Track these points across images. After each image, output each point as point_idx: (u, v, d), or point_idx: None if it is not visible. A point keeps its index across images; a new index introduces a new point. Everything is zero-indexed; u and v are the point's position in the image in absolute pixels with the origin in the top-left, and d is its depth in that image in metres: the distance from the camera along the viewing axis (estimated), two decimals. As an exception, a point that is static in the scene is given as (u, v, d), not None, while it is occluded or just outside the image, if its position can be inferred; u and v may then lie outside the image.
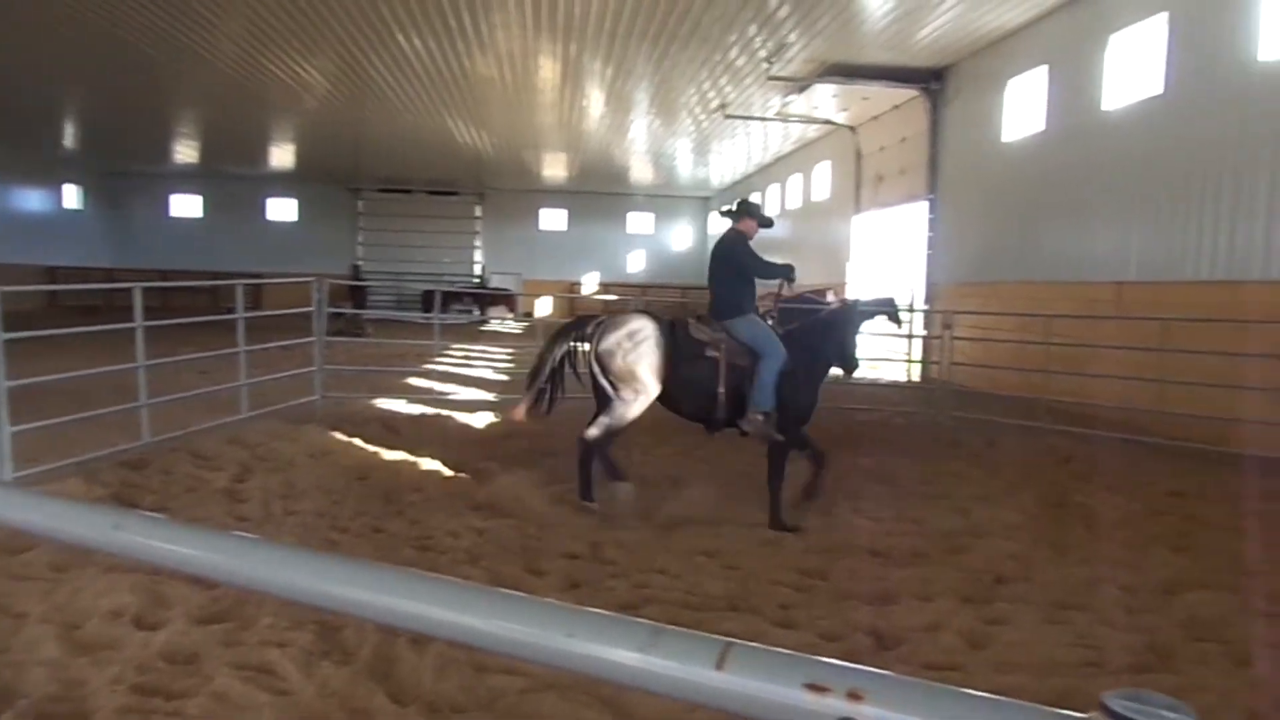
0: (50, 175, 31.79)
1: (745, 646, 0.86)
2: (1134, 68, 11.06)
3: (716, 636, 0.88)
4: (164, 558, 1.14)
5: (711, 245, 7.36)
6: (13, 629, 3.93)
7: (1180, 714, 0.74)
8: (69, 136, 27.50)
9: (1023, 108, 13.58)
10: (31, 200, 31.16)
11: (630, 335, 6.31)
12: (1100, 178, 11.56)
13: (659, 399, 6.46)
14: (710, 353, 6.41)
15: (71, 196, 33.46)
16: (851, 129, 20.02)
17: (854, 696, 0.80)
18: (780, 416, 6.42)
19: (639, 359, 6.26)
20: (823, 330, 6.93)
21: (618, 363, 6.25)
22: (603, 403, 6.47)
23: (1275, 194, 8.96)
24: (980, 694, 0.80)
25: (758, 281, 6.77)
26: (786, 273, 6.73)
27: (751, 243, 6.80)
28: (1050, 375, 10.48)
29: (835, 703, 0.80)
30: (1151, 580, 5.03)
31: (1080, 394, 10.65)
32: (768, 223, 6.94)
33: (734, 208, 6.91)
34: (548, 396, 6.58)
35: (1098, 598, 4.72)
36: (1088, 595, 4.77)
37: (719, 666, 0.84)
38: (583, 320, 6.67)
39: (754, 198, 24.49)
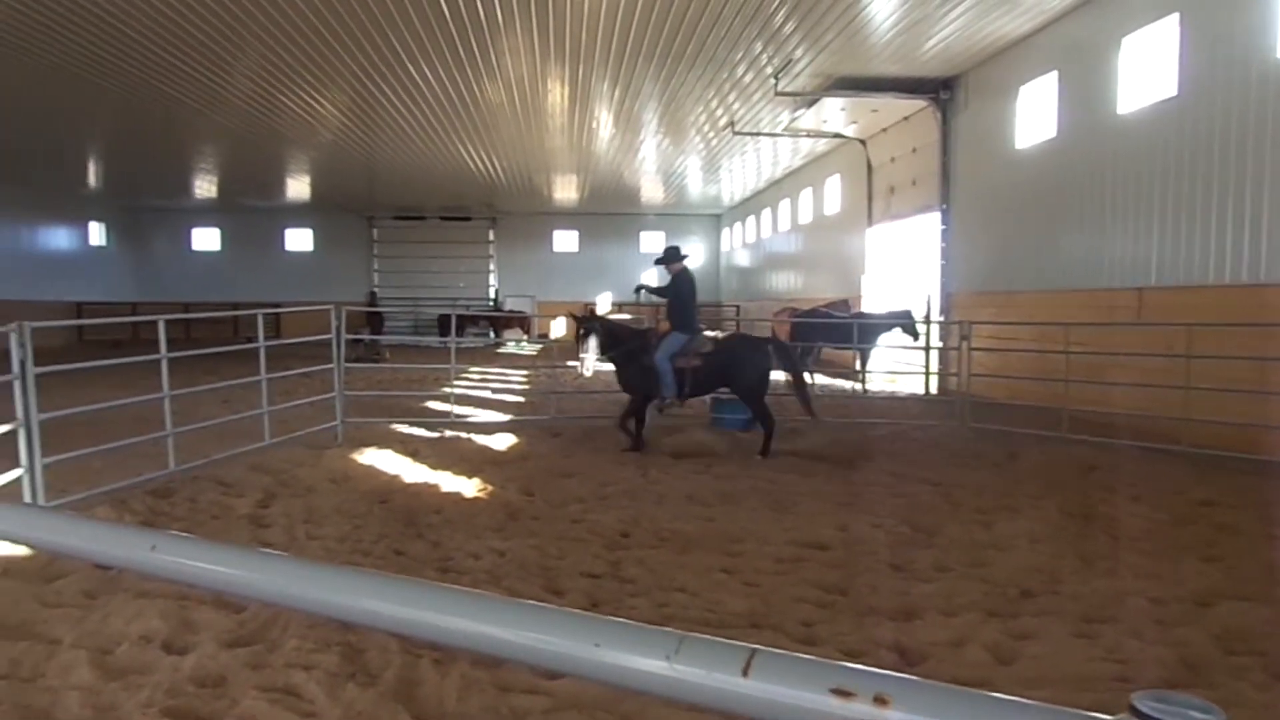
0: (77, 213, 32.36)
1: (771, 653, 0.87)
2: (1147, 70, 11.03)
3: (742, 644, 0.89)
4: (199, 577, 1.16)
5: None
6: (47, 654, 3.97)
7: (1210, 716, 0.74)
8: (93, 175, 28.00)
9: (1035, 114, 13.56)
10: (60, 238, 31.72)
11: None
12: (1117, 182, 11.51)
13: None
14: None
15: (97, 234, 34.02)
16: (861, 141, 20.04)
17: (880, 701, 0.80)
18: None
19: None
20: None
21: None
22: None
23: (1294, 195, 8.90)
24: (1008, 698, 0.80)
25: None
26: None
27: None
28: (1071, 384, 10.39)
29: (862, 708, 0.81)
30: (1182, 591, 4.94)
31: (1102, 403, 10.56)
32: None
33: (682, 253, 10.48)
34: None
35: (1127, 610, 4.65)
36: (1116, 608, 4.70)
37: (745, 673, 0.85)
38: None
39: (764, 214, 26.01)
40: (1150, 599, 4.81)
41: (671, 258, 10.29)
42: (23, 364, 6.08)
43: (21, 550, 5.19)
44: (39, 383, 6.24)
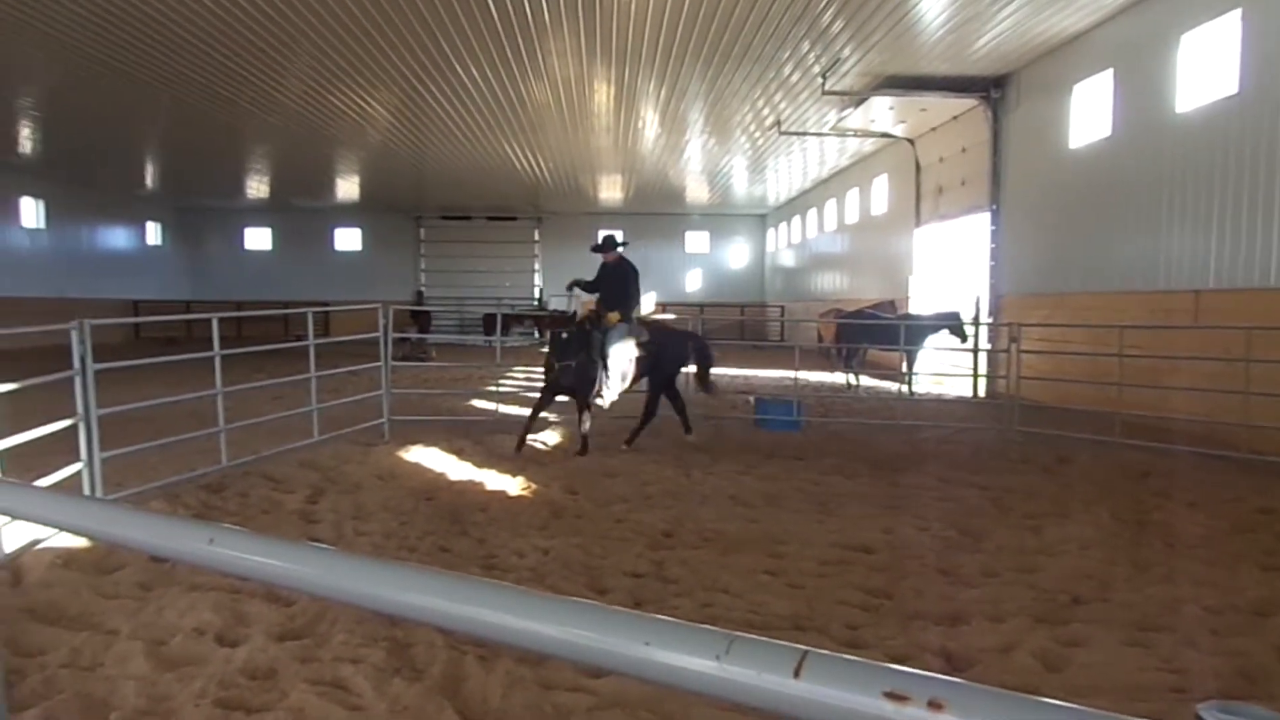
0: (134, 214, 33.29)
1: (823, 655, 0.86)
2: (1207, 67, 10.75)
3: (793, 645, 0.88)
4: (253, 570, 1.18)
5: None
6: (105, 645, 4.08)
7: (1284, 727, 0.72)
8: (150, 176, 28.83)
9: (1089, 113, 13.28)
10: (118, 238, 32.65)
11: None
12: (1174, 181, 11.23)
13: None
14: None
15: (153, 233, 34.97)
16: (910, 141, 19.81)
17: (935, 706, 0.79)
18: None
19: None
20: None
21: None
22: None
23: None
24: (1066, 704, 0.79)
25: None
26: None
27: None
28: (1124, 388, 10.16)
29: (916, 712, 0.80)
30: (1240, 601, 4.81)
31: (1157, 407, 10.31)
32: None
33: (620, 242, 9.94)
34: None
35: (1182, 619, 4.53)
36: (1171, 616, 4.58)
37: (796, 675, 0.85)
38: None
39: (810, 214, 25.47)
40: (1206, 608, 4.68)
41: (607, 246, 9.88)
42: (83, 360, 6.25)
43: (81, 542, 5.35)
44: (98, 379, 6.40)
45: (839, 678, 0.84)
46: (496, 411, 11.77)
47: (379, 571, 1.11)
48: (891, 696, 0.80)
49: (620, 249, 9.88)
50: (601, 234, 10.24)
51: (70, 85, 15.99)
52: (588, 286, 9.92)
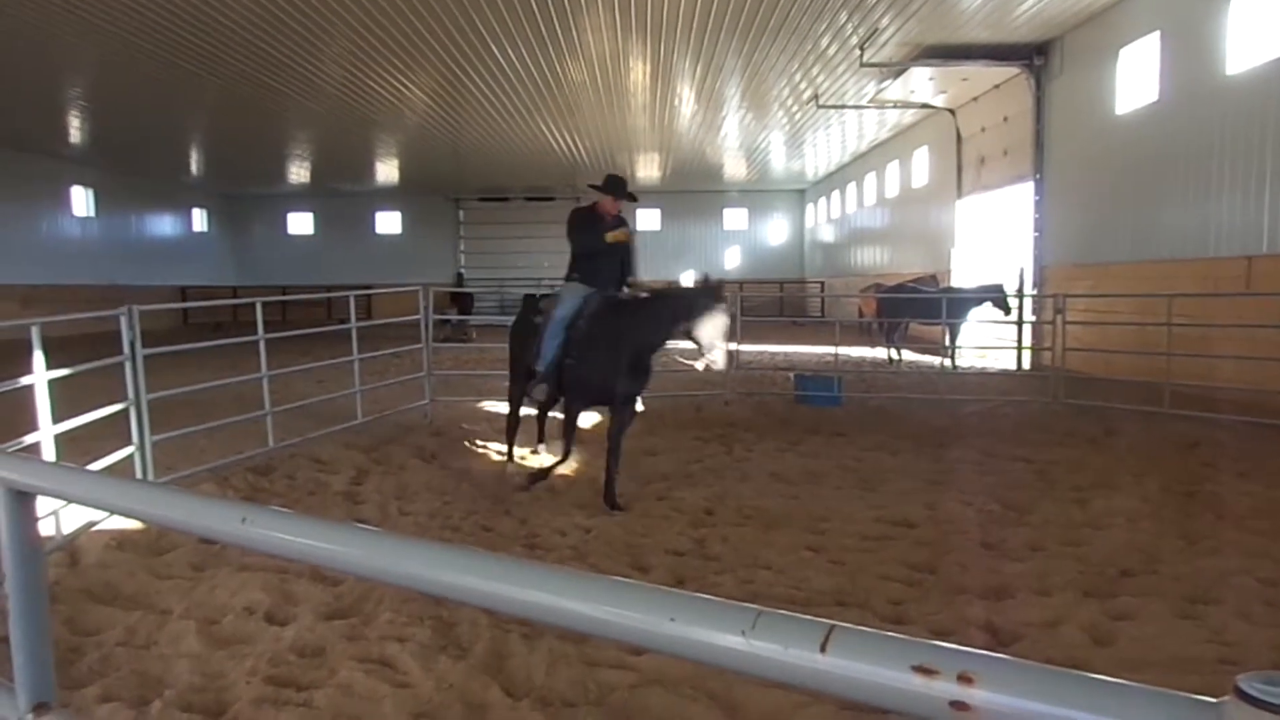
0: (180, 201, 33.93)
1: (850, 629, 0.85)
2: (1259, 27, 10.38)
3: (820, 619, 0.87)
4: (288, 549, 1.20)
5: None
6: (158, 624, 4.20)
7: (1323, 700, 0.70)
8: (196, 164, 29.36)
9: (1135, 78, 12.92)
10: (165, 225, 33.32)
11: None
12: (1225, 145, 10.90)
13: None
14: None
15: (199, 220, 35.62)
16: (950, 111, 19.44)
17: (965, 680, 0.78)
18: None
19: None
20: None
21: None
22: None
23: None
24: (1100, 678, 0.77)
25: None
26: None
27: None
28: (1173, 358, 9.92)
29: (945, 685, 0.79)
30: (1294, 572, 4.70)
31: (1207, 377, 10.07)
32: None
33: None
34: None
35: (1233, 591, 4.43)
36: (1222, 588, 4.48)
37: (823, 649, 0.84)
38: None
39: (849, 188, 24.21)
40: (1259, 579, 4.58)
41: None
42: (133, 345, 6.38)
43: (135, 524, 5.49)
44: (147, 364, 6.54)
45: (866, 652, 0.83)
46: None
47: (410, 550, 1.12)
48: (920, 670, 0.80)
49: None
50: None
51: (117, 75, 16.30)
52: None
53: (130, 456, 6.48)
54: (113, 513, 1.35)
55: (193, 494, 1.39)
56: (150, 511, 1.37)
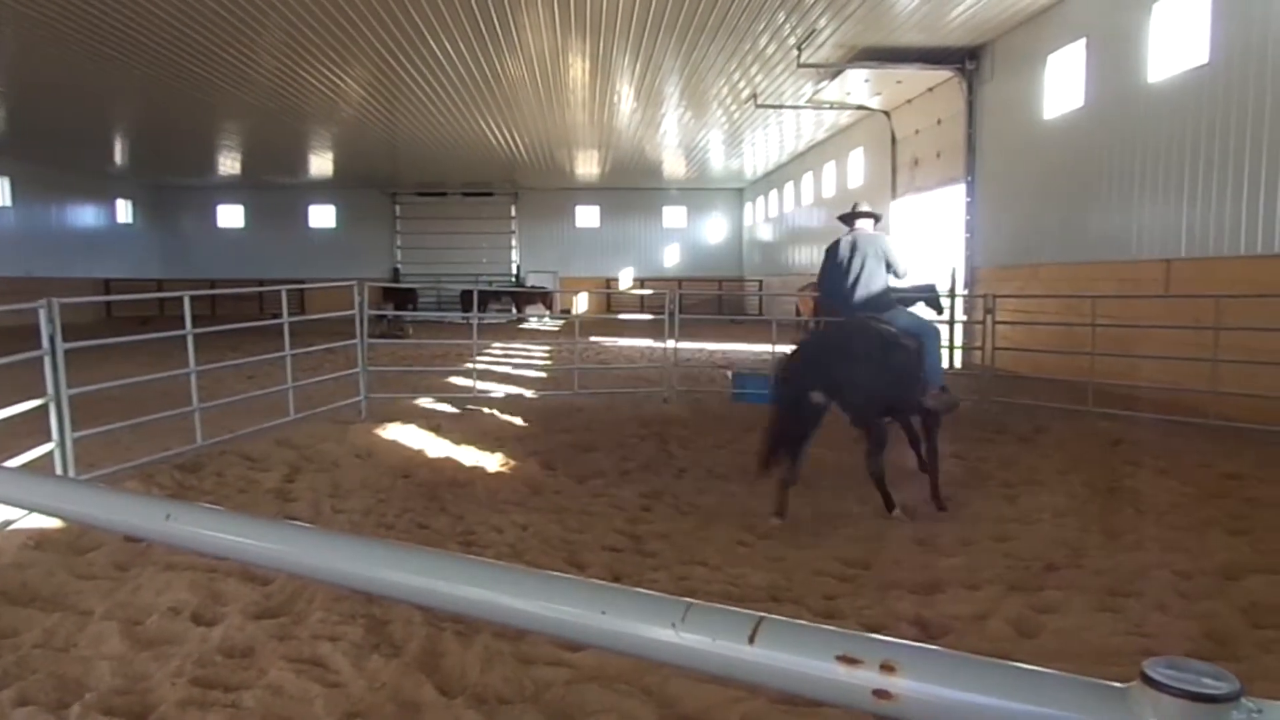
0: (104, 191, 32.79)
1: (777, 621, 0.87)
2: (1178, 37, 10.78)
3: (749, 611, 0.89)
4: (214, 546, 1.17)
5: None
6: (79, 625, 4.06)
7: (1223, 682, 0.73)
8: (120, 153, 28.38)
9: (1063, 84, 13.31)
10: (88, 216, 32.19)
11: None
12: (1146, 152, 11.30)
13: None
14: None
15: (124, 211, 34.45)
16: (885, 113, 19.80)
17: (887, 668, 0.80)
18: None
19: None
20: None
21: None
22: None
23: (1328, 164, 8.70)
24: (1019, 665, 0.80)
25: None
26: None
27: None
28: (1097, 358, 10.26)
29: (868, 675, 0.80)
30: (1209, 565, 4.88)
31: (1128, 376, 10.43)
32: None
33: None
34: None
35: (1152, 584, 4.60)
36: (1141, 581, 4.65)
37: (751, 641, 0.85)
38: None
39: (787, 188, 24.43)
40: (1176, 572, 4.76)
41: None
42: (52, 340, 6.17)
43: (55, 523, 5.30)
44: (68, 358, 6.33)
45: (792, 643, 0.85)
46: (473, 389, 11.73)
47: (339, 545, 1.10)
48: (844, 660, 0.81)
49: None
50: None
51: (37, 61, 15.67)
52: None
53: (50, 454, 6.26)
54: (30, 510, 1.31)
55: (114, 490, 1.35)
56: (69, 508, 1.32)
